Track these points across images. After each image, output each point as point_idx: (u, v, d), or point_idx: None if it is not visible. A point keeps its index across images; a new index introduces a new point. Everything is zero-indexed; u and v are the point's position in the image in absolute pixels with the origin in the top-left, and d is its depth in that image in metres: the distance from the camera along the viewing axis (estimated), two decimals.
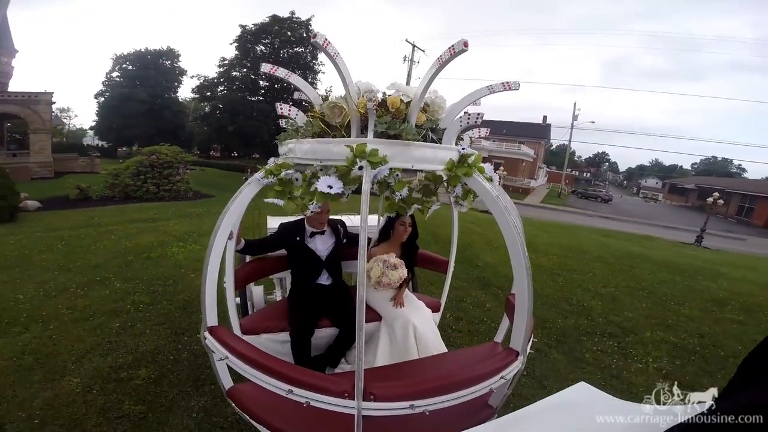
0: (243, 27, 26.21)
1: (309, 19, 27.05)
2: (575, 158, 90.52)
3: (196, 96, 28.60)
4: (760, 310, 5.20)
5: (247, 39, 26.16)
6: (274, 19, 26.09)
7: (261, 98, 27.07)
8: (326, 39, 1.39)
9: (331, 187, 1.56)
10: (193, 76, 28.28)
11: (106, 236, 7.06)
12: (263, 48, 26.86)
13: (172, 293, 4.49)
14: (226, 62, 26.72)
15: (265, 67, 1.71)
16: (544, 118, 43.58)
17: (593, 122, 31.60)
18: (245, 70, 26.70)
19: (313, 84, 26.99)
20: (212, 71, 27.99)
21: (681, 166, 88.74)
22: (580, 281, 5.87)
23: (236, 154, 33.17)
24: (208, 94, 27.19)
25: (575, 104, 31.90)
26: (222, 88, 26.80)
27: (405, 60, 23.98)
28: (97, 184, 13.46)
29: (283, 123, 2.02)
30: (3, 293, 4.31)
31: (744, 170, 75.63)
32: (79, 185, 12.11)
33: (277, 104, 1.98)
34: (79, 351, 3.23)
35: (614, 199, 46.24)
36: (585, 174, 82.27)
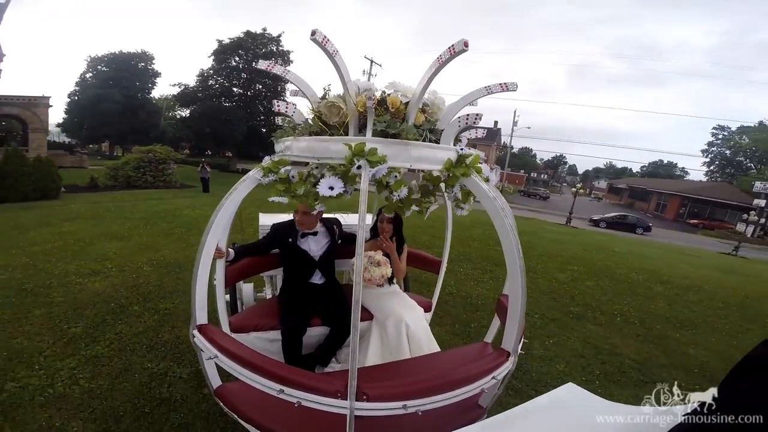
0: (220, 41, 30.20)
1: (279, 35, 31.28)
2: (537, 161, 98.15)
3: (176, 102, 32.02)
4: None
5: (223, 52, 30.11)
6: (248, 34, 30.26)
7: (234, 104, 30.95)
8: (325, 36, 1.41)
9: (332, 188, 1.64)
10: (174, 85, 31.94)
11: (137, 206, 10.93)
12: (237, 59, 30.81)
13: (198, 228, 8.50)
14: (204, 73, 30.55)
15: (262, 64, 1.69)
16: (495, 122, 49.01)
17: (529, 128, 36.89)
18: (221, 79, 30.57)
19: (281, 94, 31.06)
20: (190, 75, 31.52)
21: (631, 169, 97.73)
22: (428, 230, 10.10)
23: (209, 153, 36.71)
24: (187, 100, 30.77)
25: (515, 112, 37.32)
26: (200, 95, 30.61)
27: (363, 74, 28.22)
28: (101, 176, 17.03)
29: (279, 120, 2.01)
30: (104, 228, 8.18)
31: (687, 173, 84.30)
32: (92, 176, 15.71)
33: (275, 101, 1.96)
34: (161, 245, 7.17)
35: (559, 196, 53.34)
36: (542, 175, 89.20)
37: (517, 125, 35.81)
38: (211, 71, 30.49)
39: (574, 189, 24.83)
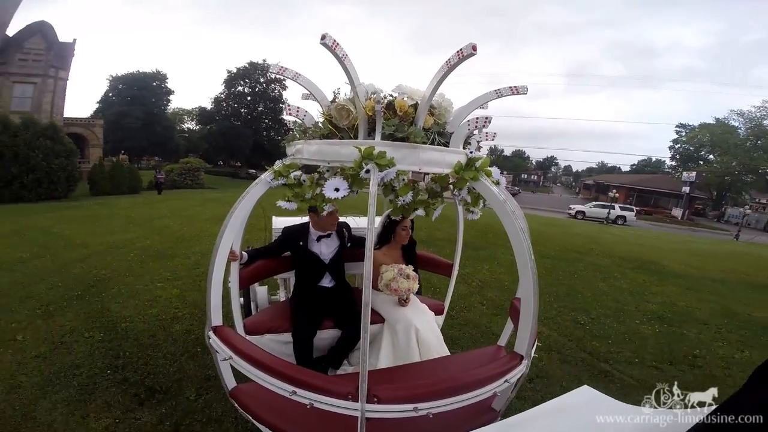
0: (229, 72, 39.14)
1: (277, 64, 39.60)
2: (532, 162, 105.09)
3: (195, 120, 40.41)
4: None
5: (232, 79, 38.93)
6: (251, 64, 39.16)
7: (241, 123, 39.72)
8: (335, 41, 1.47)
9: (337, 190, 1.71)
10: (194, 108, 40.99)
11: (194, 196, 18.60)
12: (243, 84, 39.57)
13: None
14: (218, 98, 39.55)
15: (274, 68, 1.78)
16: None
17: (495, 134, 43.97)
18: (231, 102, 39.57)
19: (279, 111, 38.75)
20: (203, 96, 40.44)
21: (620, 167, 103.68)
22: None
23: (221, 163, 45.08)
24: (205, 120, 39.71)
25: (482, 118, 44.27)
26: (217, 117, 39.31)
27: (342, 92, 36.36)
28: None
29: (291, 123, 2.14)
30: (188, 203, 15.67)
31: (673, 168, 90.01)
32: (151, 179, 23.39)
33: (285, 107, 2.04)
34: (225, 210, 14.46)
35: (547, 195, 61.29)
36: (532, 176, 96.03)
37: (483, 130, 42.92)
38: (223, 96, 39.19)
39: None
